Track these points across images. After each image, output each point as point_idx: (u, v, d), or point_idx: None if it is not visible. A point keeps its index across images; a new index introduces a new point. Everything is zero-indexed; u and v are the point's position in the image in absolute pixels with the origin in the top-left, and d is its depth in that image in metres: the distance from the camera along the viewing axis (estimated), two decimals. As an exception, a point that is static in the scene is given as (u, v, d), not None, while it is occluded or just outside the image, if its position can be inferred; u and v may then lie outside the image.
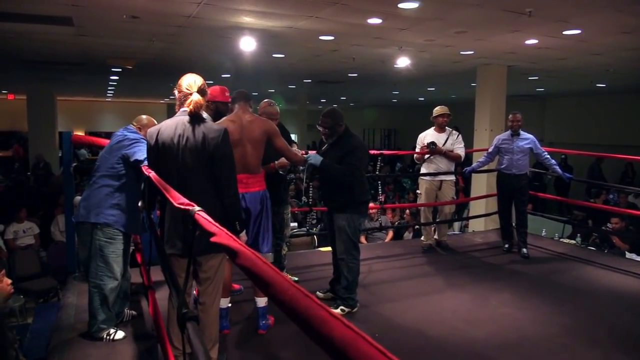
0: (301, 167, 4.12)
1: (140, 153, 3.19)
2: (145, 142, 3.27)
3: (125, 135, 3.38)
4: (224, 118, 3.49)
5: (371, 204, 6.97)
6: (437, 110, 5.76)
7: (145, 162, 3.06)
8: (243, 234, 2.88)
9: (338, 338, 0.57)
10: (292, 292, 0.70)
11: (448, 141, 5.66)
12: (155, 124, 3.43)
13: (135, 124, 3.53)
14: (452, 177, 5.88)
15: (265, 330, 3.49)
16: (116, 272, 3.32)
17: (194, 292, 3.19)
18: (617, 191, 9.84)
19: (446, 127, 5.76)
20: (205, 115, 4.02)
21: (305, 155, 3.80)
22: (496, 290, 4.54)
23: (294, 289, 0.71)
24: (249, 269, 0.89)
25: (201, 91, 2.79)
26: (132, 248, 3.72)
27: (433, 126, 5.82)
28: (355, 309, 3.92)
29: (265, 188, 3.49)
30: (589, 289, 4.65)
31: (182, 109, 2.78)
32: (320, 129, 3.94)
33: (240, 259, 0.95)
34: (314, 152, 4.10)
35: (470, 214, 8.97)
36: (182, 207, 1.61)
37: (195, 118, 2.72)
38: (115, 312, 3.42)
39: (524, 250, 5.64)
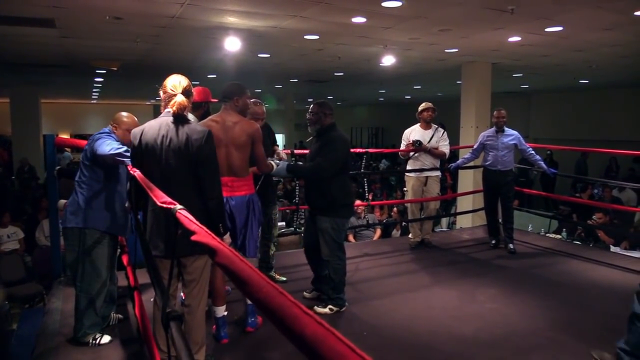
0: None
1: (104, 146, 3.10)
2: (114, 138, 3.25)
3: (93, 137, 3.30)
4: (208, 118, 3.46)
5: (358, 202, 6.97)
6: (422, 105, 5.79)
7: (112, 151, 3.04)
8: (227, 237, 2.86)
9: (309, 335, 0.57)
10: (266, 290, 0.70)
11: (433, 138, 5.69)
12: (135, 121, 3.40)
13: (112, 123, 3.42)
14: (438, 173, 5.90)
15: (254, 327, 3.47)
16: (104, 275, 3.30)
17: (181, 295, 3.17)
18: (601, 186, 9.95)
19: (432, 124, 5.78)
20: (190, 116, 4.00)
21: (273, 163, 3.73)
22: (484, 285, 4.57)
23: (268, 286, 0.71)
24: (226, 267, 0.89)
25: (186, 92, 2.76)
26: (118, 251, 3.69)
27: (418, 122, 5.85)
28: (344, 308, 3.92)
29: (253, 192, 3.39)
30: (575, 282, 4.70)
31: (166, 110, 2.76)
32: (307, 115, 3.94)
33: (219, 257, 0.95)
34: (289, 151, 4.08)
35: (458, 211, 9.03)
36: (164, 205, 1.60)
37: (178, 119, 2.70)
38: (102, 316, 3.39)
39: (511, 245, 5.68)
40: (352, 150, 7.44)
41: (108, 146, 3.09)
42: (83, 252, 3.24)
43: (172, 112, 2.68)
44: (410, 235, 6.03)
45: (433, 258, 5.54)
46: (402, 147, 5.89)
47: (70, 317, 3.54)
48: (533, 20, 5.86)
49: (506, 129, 5.66)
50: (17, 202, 10.03)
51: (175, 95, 2.71)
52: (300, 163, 3.81)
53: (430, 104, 5.78)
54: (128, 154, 3.08)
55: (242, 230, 3.31)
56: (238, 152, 3.30)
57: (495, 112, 5.72)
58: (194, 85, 2.97)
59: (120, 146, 3.14)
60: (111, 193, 3.30)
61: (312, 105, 3.95)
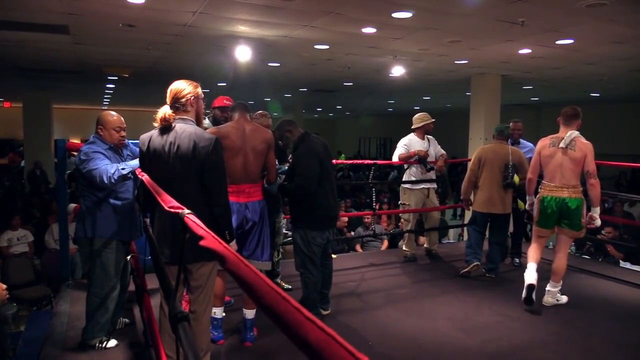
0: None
1: (103, 177, 3.07)
2: (102, 148, 3.24)
3: (80, 156, 3.22)
4: (226, 124, 3.49)
5: (366, 212, 6.95)
6: (426, 116, 5.64)
7: (112, 179, 3.06)
8: (233, 243, 2.87)
9: (313, 340, 0.58)
10: (271, 296, 0.71)
11: (430, 148, 5.67)
12: (121, 120, 3.39)
13: (98, 125, 3.33)
14: (435, 185, 5.90)
15: (252, 342, 3.46)
16: (116, 281, 3.32)
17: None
18: (611, 198, 9.84)
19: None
20: (206, 122, 4.03)
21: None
22: (490, 298, 4.54)
23: (273, 292, 0.72)
24: (234, 272, 0.90)
25: (175, 100, 2.76)
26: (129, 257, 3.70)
27: (412, 133, 5.69)
28: None
29: (263, 197, 3.48)
30: (583, 297, 4.66)
31: (177, 117, 2.78)
32: (279, 143, 3.92)
33: (227, 263, 0.97)
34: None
35: (466, 222, 8.97)
36: (172, 210, 1.62)
37: (165, 129, 2.71)
38: (110, 321, 3.41)
39: (517, 259, 5.65)
40: (360, 161, 7.50)
41: (104, 175, 3.06)
42: (94, 258, 3.27)
43: (157, 125, 2.70)
44: (405, 247, 5.86)
45: (439, 269, 5.52)
46: (401, 152, 5.58)
47: (78, 320, 3.57)
48: (543, 33, 5.87)
49: (522, 140, 5.63)
50: (26, 205, 10.14)
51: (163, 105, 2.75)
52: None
53: (428, 114, 5.71)
54: (125, 170, 3.12)
55: (256, 233, 3.36)
56: (255, 159, 3.36)
57: (511, 124, 5.62)
58: (204, 93, 2.97)
59: (113, 168, 3.10)
60: (114, 199, 3.29)
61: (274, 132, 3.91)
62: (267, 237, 3.44)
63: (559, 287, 4.34)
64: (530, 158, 5.56)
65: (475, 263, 5.06)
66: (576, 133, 4.19)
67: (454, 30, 5.89)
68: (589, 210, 4.24)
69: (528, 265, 4.29)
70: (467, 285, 4.93)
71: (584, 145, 4.11)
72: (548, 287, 4.33)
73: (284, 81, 11.09)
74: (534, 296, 4.18)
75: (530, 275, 4.21)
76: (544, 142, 4.31)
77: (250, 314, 3.45)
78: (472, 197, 5.26)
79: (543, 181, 4.30)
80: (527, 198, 4.59)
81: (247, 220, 3.31)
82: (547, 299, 4.33)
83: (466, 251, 5.23)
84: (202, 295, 2.77)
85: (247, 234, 3.34)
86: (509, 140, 5.62)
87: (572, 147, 4.12)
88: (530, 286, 4.18)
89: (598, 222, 4.20)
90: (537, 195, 4.33)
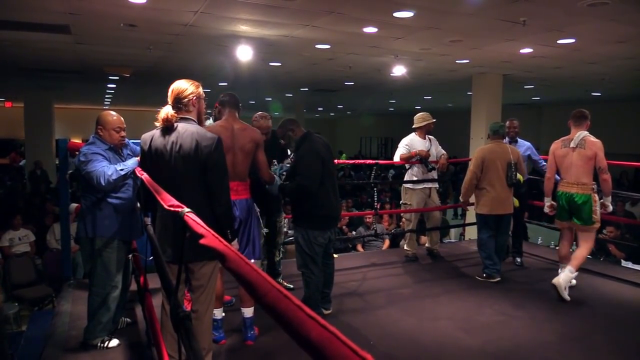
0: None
1: (100, 179, 3.08)
2: (100, 149, 3.24)
3: (79, 157, 3.22)
4: (215, 123, 3.50)
5: (367, 211, 6.94)
6: (427, 116, 5.63)
7: (110, 180, 3.07)
8: (235, 243, 2.87)
9: (315, 338, 0.58)
10: (273, 294, 0.71)
11: (432, 148, 5.66)
12: (121, 120, 3.37)
13: (97, 125, 3.31)
14: (437, 185, 5.90)
15: (253, 341, 3.46)
16: (117, 280, 3.32)
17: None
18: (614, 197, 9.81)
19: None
20: (209, 121, 4.04)
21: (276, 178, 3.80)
22: (491, 298, 4.54)
23: (274, 290, 0.72)
24: (235, 271, 0.90)
25: (176, 100, 2.76)
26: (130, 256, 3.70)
27: (413, 132, 5.68)
28: None
29: (250, 196, 3.47)
30: (585, 297, 4.65)
31: (179, 117, 2.78)
32: (281, 142, 3.96)
33: (227, 262, 0.97)
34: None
35: (467, 222, 8.97)
36: (171, 209, 1.62)
37: (167, 129, 2.71)
38: (112, 320, 3.41)
39: (518, 259, 5.64)
40: (361, 161, 7.50)
41: (102, 178, 3.07)
42: (95, 257, 3.27)
43: (159, 125, 2.70)
44: (406, 247, 5.85)
45: (441, 269, 5.51)
46: (402, 152, 5.59)
47: (79, 320, 3.57)
48: (545, 32, 5.86)
49: (519, 139, 5.63)
50: (28, 205, 10.15)
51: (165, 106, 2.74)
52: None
53: (429, 114, 5.69)
54: (123, 171, 3.13)
55: (246, 231, 3.36)
56: (244, 158, 3.37)
57: (507, 122, 5.63)
58: (206, 93, 2.98)
59: (111, 170, 3.11)
60: (115, 198, 3.28)
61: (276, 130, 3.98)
62: (256, 235, 3.44)
63: (574, 275, 4.52)
64: (528, 156, 5.60)
65: (499, 279, 5.02)
66: (585, 133, 4.50)
67: (455, 30, 5.89)
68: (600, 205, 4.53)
69: (560, 266, 4.74)
70: (468, 284, 4.92)
71: (593, 144, 4.42)
72: (565, 270, 4.47)
73: (285, 81, 11.09)
74: (564, 295, 4.40)
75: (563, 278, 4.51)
76: (556, 144, 4.65)
77: (248, 312, 3.45)
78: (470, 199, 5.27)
79: (560, 178, 4.69)
80: (544, 199, 4.85)
81: (235, 218, 3.30)
82: (558, 280, 4.41)
83: (485, 263, 5.08)
84: (204, 294, 2.77)
85: (237, 231, 3.33)
86: (506, 139, 5.63)
87: (582, 145, 4.43)
88: (553, 285, 4.48)
89: (610, 208, 4.60)
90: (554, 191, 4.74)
